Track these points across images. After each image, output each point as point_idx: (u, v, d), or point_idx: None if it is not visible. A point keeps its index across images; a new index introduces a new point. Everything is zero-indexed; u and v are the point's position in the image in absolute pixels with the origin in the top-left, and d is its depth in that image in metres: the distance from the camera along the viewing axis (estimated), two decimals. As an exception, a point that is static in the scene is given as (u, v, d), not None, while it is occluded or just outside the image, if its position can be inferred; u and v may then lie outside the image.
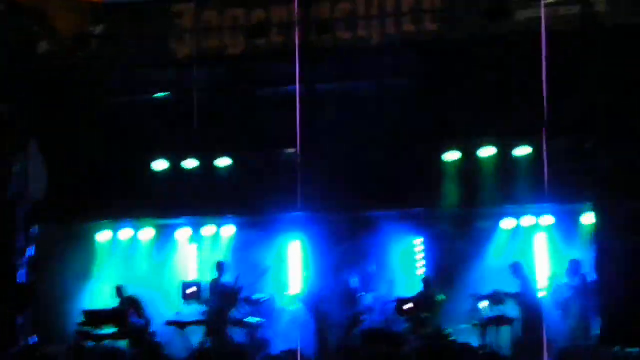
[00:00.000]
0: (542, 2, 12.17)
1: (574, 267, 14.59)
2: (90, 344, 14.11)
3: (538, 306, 14.17)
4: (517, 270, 14.45)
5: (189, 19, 13.37)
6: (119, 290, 15.44)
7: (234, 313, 14.90)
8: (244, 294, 15.06)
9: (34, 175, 14.40)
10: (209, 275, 15.66)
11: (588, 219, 14.87)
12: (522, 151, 15.01)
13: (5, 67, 13.49)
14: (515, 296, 14.33)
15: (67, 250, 15.88)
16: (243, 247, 16.29)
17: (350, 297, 15.58)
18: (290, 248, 16.52)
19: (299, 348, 13.94)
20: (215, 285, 15.11)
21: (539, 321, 13.93)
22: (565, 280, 14.73)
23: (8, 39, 13.33)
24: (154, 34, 13.35)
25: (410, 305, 14.53)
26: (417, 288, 15.31)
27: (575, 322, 14.27)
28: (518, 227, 16.08)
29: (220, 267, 15.36)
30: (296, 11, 13.14)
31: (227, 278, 15.11)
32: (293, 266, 16.46)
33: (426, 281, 15.27)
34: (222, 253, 16.19)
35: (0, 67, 13.50)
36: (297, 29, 13.34)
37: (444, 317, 14.81)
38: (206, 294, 15.12)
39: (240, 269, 15.33)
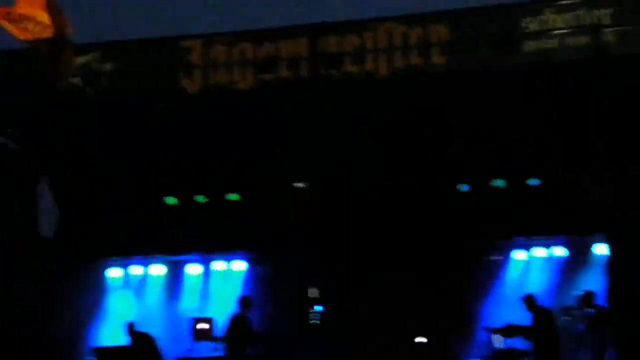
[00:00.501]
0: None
1: (588, 298, 14.48)
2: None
3: (552, 339, 14.02)
4: (530, 302, 14.33)
5: (197, 54, 13.42)
6: (130, 328, 15.36)
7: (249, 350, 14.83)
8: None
9: (44, 213, 14.39)
10: (221, 310, 15.59)
11: (600, 249, 14.81)
12: (533, 182, 14.98)
13: (16, 105, 13.54)
14: (528, 329, 14.20)
15: (77, 287, 15.85)
16: (255, 282, 16.27)
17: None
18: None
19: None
20: (237, 319, 14.93)
21: (554, 354, 13.79)
22: (579, 311, 14.62)
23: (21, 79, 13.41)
24: (164, 70, 13.39)
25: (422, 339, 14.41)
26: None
27: (590, 354, 14.14)
28: (530, 258, 16.02)
29: (245, 301, 15.18)
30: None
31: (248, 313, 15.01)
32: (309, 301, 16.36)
33: None
34: (234, 288, 16.14)
35: (11, 106, 13.55)
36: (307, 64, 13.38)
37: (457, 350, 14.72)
38: (222, 330, 14.95)
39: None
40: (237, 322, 14.84)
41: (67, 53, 11.72)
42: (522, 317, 14.46)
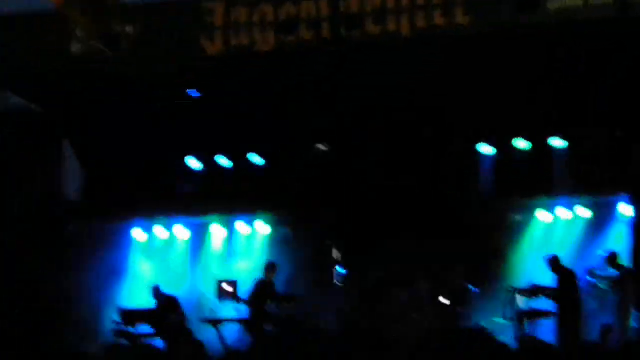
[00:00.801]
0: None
1: (612, 259, 14.43)
2: (127, 342, 14.16)
3: (575, 300, 14.00)
4: (554, 263, 14.29)
5: (219, 16, 13.36)
6: (156, 290, 15.48)
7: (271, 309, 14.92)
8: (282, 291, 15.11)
9: (69, 175, 14.51)
10: (244, 273, 15.68)
11: (625, 209, 14.70)
12: (557, 143, 14.88)
13: (37, 68, 13.58)
14: (552, 290, 14.18)
15: (102, 248, 16.00)
16: (277, 244, 16.32)
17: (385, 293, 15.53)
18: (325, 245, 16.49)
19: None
20: (262, 285, 15.01)
21: (577, 315, 13.77)
22: (603, 272, 14.57)
23: (40, 41, 13.42)
24: (184, 32, 13.36)
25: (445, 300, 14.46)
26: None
27: (614, 315, 14.11)
28: (554, 219, 15.95)
29: (270, 267, 15.24)
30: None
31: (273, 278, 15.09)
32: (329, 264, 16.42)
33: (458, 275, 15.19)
34: (258, 251, 16.21)
35: (32, 68, 13.59)
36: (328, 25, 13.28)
37: (480, 310, 14.73)
38: (246, 293, 15.03)
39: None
40: (261, 288, 14.94)
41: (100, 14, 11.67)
42: (545, 277, 14.45)
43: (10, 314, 12.63)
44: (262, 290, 14.96)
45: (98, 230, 16.14)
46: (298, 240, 16.19)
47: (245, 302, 14.88)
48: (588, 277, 14.98)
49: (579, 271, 15.00)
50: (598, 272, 14.74)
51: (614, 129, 13.17)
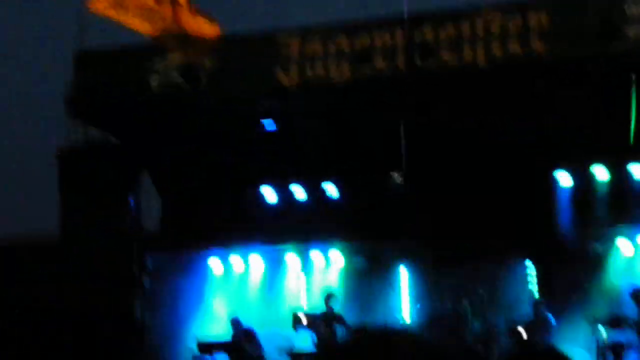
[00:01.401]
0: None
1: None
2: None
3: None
4: (637, 294, 13.95)
5: (294, 49, 13.48)
6: (235, 323, 15.49)
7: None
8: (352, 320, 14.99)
9: (147, 208, 14.71)
10: (319, 304, 15.64)
11: None
12: (635, 170, 14.61)
13: (118, 101, 13.85)
14: (634, 320, 13.83)
15: (180, 279, 16.14)
16: (352, 274, 16.27)
17: (459, 323, 15.35)
18: (401, 275, 16.41)
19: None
20: (326, 315, 14.96)
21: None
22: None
23: (120, 75, 13.70)
24: (261, 65, 13.50)
25: (521, 329, 14.21)
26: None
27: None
28: (637, 249, 15.60)
29: (329, 297, 15.21)
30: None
31: (337, 307, 15.01)
32: (404, 293, 16.33)
33: (535, 305, 14.92)
34: (332, 281, 16.17)
35: (112, 101, 13.87)
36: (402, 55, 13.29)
37: (559, 341, 14.44)
38: (317, 324, 14.97)
39: (350, 296, 15.26)
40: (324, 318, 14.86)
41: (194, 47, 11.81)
42: (628, 309, 14.13)
43: (92, 344, 12.80)
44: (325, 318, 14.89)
45: (176, 260, 16.31)
46: (372, 271, 16.13)
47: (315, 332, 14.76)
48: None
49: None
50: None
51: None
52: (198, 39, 10.52)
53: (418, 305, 16.17)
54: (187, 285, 16.29)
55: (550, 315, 14.64)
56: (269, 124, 14.78)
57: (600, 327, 13.77)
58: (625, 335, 13.73)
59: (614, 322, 13.77)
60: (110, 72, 13.82)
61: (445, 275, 15.98)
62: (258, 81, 13.56)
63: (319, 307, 15.31)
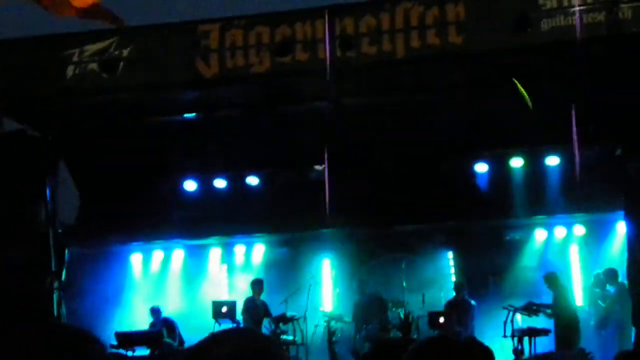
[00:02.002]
0: (577, 9, 12.04)
1: (611, 276, 14.39)
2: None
3: (573, 317, 13.96)
4: (552, 280, 14.27)
5: (214, 39, 13.41)
6: (155, 312, 15.43)
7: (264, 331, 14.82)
8: (277, 312, 15.01)
9: (65, 199, 14.49)
10: (242, 294, 15.62)
11: (622, 227, 14.72)
12: (552, 161, 14.93)
13: (34, 92, 13.62)
14: (549, 307, 14.15)
15: (99, 272, 15.97)
16: (274, 265, 16.32)
17: (381, 311, 15.49)
18: (322, 265, 16.51)
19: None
20: (252, 303, 14.94)
21: (575, 332, 13.73)
22: (601, 289, 14.56)
23: (35, 65, 13.47)
24: (181, 55, 13.41)
25: (443, 318, 14.39)
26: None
27: (613, 332, 14.07)
28: (551, 237, 15.97)
29: (256, 284, 15.19)
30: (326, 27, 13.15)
31: (263, 296, 15.03)
32: (325, 283, 16.44)
33: (458, 286, 15.16)
34: (253, 272, 16.18)
35: (28, 92, 13.63)
36: (325, 46, 13.33)
37: (478, 328, 14.69)
38: (240, 313, 14.96)
39: (272, 287, 15.28)
40: (251, 305, 14.87)
41: None
42: (543, 296, 14.45)
43: (7, 337, 12.54)
44: (253, 307, 14.88)
45: (95, 253, 16.12)
46: (294, 261, 16.20)
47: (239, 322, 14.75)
48: (586, 295, 14.99)
49: (577, 289, 15.05)
50: (595, 290, 14.75)
51: (611, 147, 13.23)
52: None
53: (340, 295, 16.29)
54: (107, 279, 16.12)
55: (472, 301, 14.90)
56: (189, 115, 14.72)
57: (517, 313, 14.05)
58: (539, 321, 14.05)
59: (529, 308, 14.06)
60: (26, 62, 13.59)
61: (367, 263, 16.14)
62: (177, 71, 13.46)
63: (242, 297, 15.31)
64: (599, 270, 14.84)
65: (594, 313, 14.63)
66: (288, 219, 15.38)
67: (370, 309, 15.08)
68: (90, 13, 8.79)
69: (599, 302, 14.62)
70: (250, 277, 15.74)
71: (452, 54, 13.00)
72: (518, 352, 12.75)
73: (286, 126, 14.78)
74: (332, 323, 15.56)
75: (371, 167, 15.26)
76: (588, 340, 13.60)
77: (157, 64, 13.43)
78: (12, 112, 14.23)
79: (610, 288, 14.44)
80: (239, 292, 15.98)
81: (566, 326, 13.65)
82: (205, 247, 16.98)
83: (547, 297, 14.25)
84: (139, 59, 13.42)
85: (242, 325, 14.65)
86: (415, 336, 14.63)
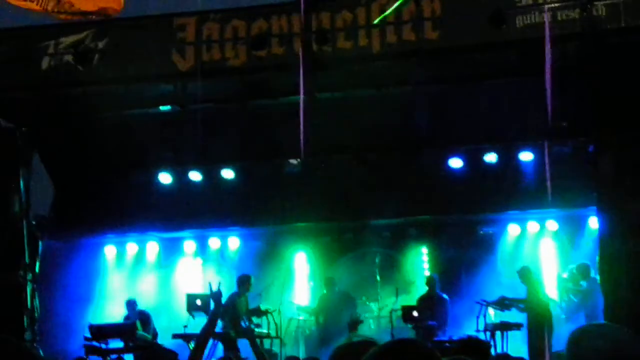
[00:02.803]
0: (546, 7, 12.13)
1: (584, 271, 14.53)
2: (97, 358, 14.07)
3: (546, 311, 14.09)
4: (525, 275, 14.39)
5: (190, 32, 13.38)
6: (130, 304, 15.40)
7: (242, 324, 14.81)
8: (252, 305, 15.01)
9: (38, 191, 14.43)
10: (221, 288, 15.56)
11: (594, 222, 14.86)
12: (525, 156, 15.05)
13: (7, 83, 13.54)
14: (522, 301, 14.27)
15: (73, 265, 15.93)
16: (248, 258, 16.35)
17: (351, 305, 15.55)
18: (296, 259, 16.56)
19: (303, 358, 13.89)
20: (237, 299, 14.88)
21: (547, 326, 13.84)
22: (574, 284, 14.70)
23: (9, 56, 13.39)
24: (156, 48, 13.37)
25: (416, 312, 14.48)
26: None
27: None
28: (524, 232, 16.10)
29: (247, 281, 15.08)
30: (302, 20, 13.16)
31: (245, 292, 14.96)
32: (299, 277, 16.50)
33: (430, 281, 15.24)
34: (228, 265, 16.20)
35: (3, 83, 13.55)
36: (299, 40, 13.34)
37: (451, 323, 14.80)
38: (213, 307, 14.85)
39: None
40: (233, 301, 14.83)
41: None
42: (515, 291, 14.57)
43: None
44: (237, 303, 14.84)
45: (69, 245, 16.09)
46: (268, 254, 16.24)
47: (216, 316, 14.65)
48: (559, 289, 15.12)
49: (549, 284, 15.19)
50: (568, 285, 14.88)
51: (583, 142, 13.34)
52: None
53: (314, 289, 16.36)
54: (81, 271, 16.09)
55: (444, 295, 15.00)
56: (164, 107, 14.69)
57: (489, 308, 14.17)
58: (511, 315, 14.17)
59: (502, 303, 14.18)
60: (1, 53, 13.50)
61: (341, 257, 16.21)
62: (153, 64, 13.42)
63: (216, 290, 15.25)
64: (573, 265, 14.98)
65: (566, 307, 14.77)
66: (263, 212, 15.41)
67: (339, 305, 15.16)
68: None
69: (571, 296, 14.77)
70: (225, 270, 15.76)
71: (427, 49, 13.05)
72: None
73: (262, 120, 14.79)
74: (305, 316, 15.65)
75: (346, 161, 15.30)
76: (560, 334, 13.73)
77: (132, 56, 13.38)
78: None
79: (582, 283, 14.59)
80: (213, 284, 15.95)
81: (539, 320, 13.77)
82: (179, 240, 17.00)
83: (520, 292, 14.38)
84: (115, 52, 13.36)
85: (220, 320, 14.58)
86: (389, 330, 14.76)
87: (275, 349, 14.58)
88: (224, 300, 14.48)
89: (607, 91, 12.31)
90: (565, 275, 15.03)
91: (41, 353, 12.74)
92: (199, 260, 16.84)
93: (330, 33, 13.39)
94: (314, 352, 14.28)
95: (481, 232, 16.25)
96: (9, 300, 13.05)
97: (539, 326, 13.71)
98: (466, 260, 15.81)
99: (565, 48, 12.01)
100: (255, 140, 15.15)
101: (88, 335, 14.35)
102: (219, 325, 14.53)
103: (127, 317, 15.22)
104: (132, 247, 17.00)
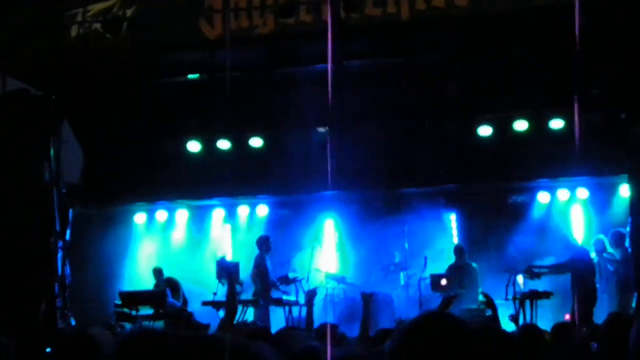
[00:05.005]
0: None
1: (618, 239, 14.33)
2: (128, 325, 14.22)
3: (589, 278, 13.82)
4: (568, 240, 14.24)
5: (218, 0, 13.33)
6: (157, 272, 15.54)
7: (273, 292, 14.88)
8: (280, 273, 15.06)
9: (69, 159, 14.51)
10: (245, 255, 15.67)
11: (625, 191, 14.72)
12: (556, 124, 14.91)
13: (37, 52, 13.58)
14: (550, 269, 14.15)
15: (103, 233, 16.06)
16: (277, 226, 16.38)
17: (385, 274, 15.60)
18: (324, 227, 16.57)
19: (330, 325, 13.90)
20: (261, 261, 14.89)
21: (590, 294, 13.60)
22: (608, 252, 14.57)
23: (39, 24, 13.42)
24: (184, 16, 13.34)
25: (445, 281, 14.47)
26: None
27: (619, 295, 14.05)
28: (554, 200, 15.99)
29: (263, 241, 15.15)
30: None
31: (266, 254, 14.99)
32: (327, 245, 16.51)
33: (458, 250, 15.21)
34: (256, 233, 16.23)
35: (32, 52, 13.59)
36: (327, 7, 13.23)
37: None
38: (246, 273, 14.89)
39: (275, 248, 15.31)
40: (264, 262, 14.86)
41: None
42: (544, 258, 14.50)
43: (9, 296, 12.63)
44: (267, 264, 14.83)
45: (99, 213, 16.22)
46: (296, 222, 16.27)
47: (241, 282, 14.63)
48: (595, 257, 14.94)
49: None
50: (604, 254, 14.69)
51: (615, 111, 13.19)
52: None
53: (342, 256, 16.38)
54: (111, 239, 16.21)
55: (473, 264, 14.98)
56: (192, 76, 14.70)
57: (518, 276, 14.11)
58: (541, 284, 14.09)
59: (531, 271, 14.11)
60: (29, 21, 13.54)
61: (370, 225, 16.18)
62: (181, 32, 13.40)
63: (244, 258, 15.37)
64: (602, 234, 14.84)
65: (604, 275, 14.59)
66: (291, 180, 15.41)
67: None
68: None
69: (608, 265, 14.60)
70: (253, 238, 15.80)
71: (457, 16, 12.91)
72: (514, 319, 12.80)
73: (290, 88, 14.74)
74: (333, 284, 15.68)
75: (374, 129, 15.23)
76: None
77: (160, 24, 13.36)
78: (15, 72, 14.21)
79: (616, 251, 14.43)
80: (242, 252, 16.07)
81: (581, 287, 13.50)
82: (208, 208, 17.06)
83: (548, 260, 14.31)
84: (143, 20, 13.34)
85: (253, 284, 14.64)
86: (417, 297, 14.77)
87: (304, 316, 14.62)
88: (251, 265, 14.62)
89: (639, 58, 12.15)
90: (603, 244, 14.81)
91: (72, 321, 12.92)
92: (228, 228, 16.90)
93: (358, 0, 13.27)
94: (342, 320, 14.32)
95: (511, 200, 16.16)
96: (41, 268, 13.17)
97: (588, 286, 13.46)
98: (495, 228, 15.73)
99: (596, 14, 11.81)
100: (283, 108, 15.11)
101: (118, 302, 14.50)
102: (250, 292, 14.64)
103: (156, 286, 15.35)
104: (161, 215, 17.10)
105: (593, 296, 13.54)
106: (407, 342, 3.17)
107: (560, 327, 7.38)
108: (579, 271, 13.72)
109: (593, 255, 14.37)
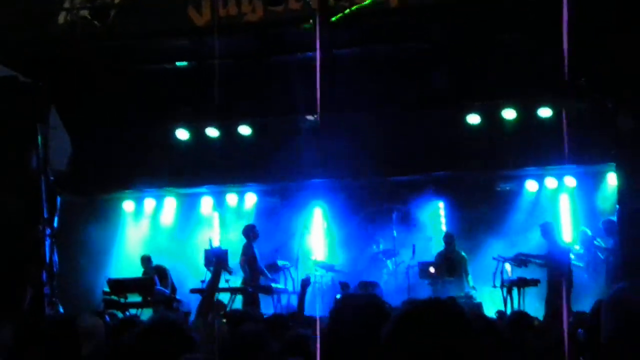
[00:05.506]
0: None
1: (609, 228, 14.36)
2: (117, 312, 14.19)
3: (566, 268, 13.96)
4: (547, 230, 14.31)
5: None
6: (145, 260, 15.53)
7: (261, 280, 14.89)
8: (268, 261, 15.09)
9: (56, 146, 14.45)
10: (233, 243, 15.67)
11: (613, 179, 14.77)
12: (544, 112, 14.93)
13: (25, 39, 13.51)
14: (542, 257, 14.22)
15: (91, 220, 16.03)
16: (266, 214, 16.38)
17: (373, 262, 15.63)
18: (313, 215, 16.58)
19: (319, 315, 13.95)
20: (248, 249, 14.91)
21: (567, 283, 13.74)
22: (597, 241, 14.63)
23: (26, 10, 13.35)
24: (172, 2, 13.30)
25: (433, 268, 14.51)
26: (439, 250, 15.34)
27: (608, 283, 14.11)
28: (542, 188, 16.04)
29: (250, 230, 15.15)
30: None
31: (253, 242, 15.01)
32: (316, 233, 16.53)
33: (448, 237, 15.25)
34: (245, 221, 16.24)
35: (20, 39, 13.52)
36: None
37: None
38: (236, 262, 14.90)
39: (263, 236, 15.33)
40: (252, 250, 14.87)
41: None
42: (532, 247, 14.55)
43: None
44: (255, 252, 14.85)
45: (87, 201, 16.17)
46: (285, 210, 16.27)
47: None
48: (583, 245, 14.99)
49: (568, 240, 15.15)
50: (594, 242, 14.75)
51: (602, 99, 13.20)
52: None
53: (332, 245, 16.39)
54: (100, 226, 16.19)
55: (462, 252, 15.02)
56: (181, 63, 14.65)
57: (506, 264, 14.16)
58: (529, 272, 14.14)
59: (519, 259, 14.15)
60: (17, 8, 13.47)
61: (359, 214, 16.20)
62: (169, 19, 13.36)
63: (233, 246, 15.37)
64: (585, 226, 14.90)
65: (592, 264, 14.66)
66: (279, 168, 15.40)
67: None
68: None
69: (599, 253, 14.66)
70: (241, 226, 15.79)
71: (445, 4, 12.92)
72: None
73: (278, 76, 14.72)
74: (321, 272, 15.70)
75: (363, 117, 15.22)
76: (580, 290, 13.71)
77: (148, 11, 13.32)
78: (2, 59, 14.12)
79: (608, 240, 14.48)
80: (231, 240, 16.06)
81: (558, 277, 13.67)
82: (196, 196, 17.05)
83: (537, 248, 14.36)
84: (131, 7, 13.30)
85: (242, 272, 14.65)
86: (406, 285, 14.81)
87: (292, 304, 14.65)
88: (239, 254, 14.63)
89: (628, 47, 12.15)
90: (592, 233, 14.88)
91: (60, 308, 12.88)
92: (216, 216, 16.89)
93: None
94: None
95: (499, 188, 16.20)
96: (29, 255, 13.12)
97: (558, 283, 13.64)
98: (483, 216, 15.78)
99: (584, 2, 11.82)
100: (272, 96, 15.09)
101: (107, 289, 14.48)
102: (239, 280, 14.66)
103: (144, 274, 15.34)
104: (150, 203, 17.07)
105: (560, 295, 13.59)
106: (402, 329, 3.17)
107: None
108: (550, 269, 13.82)
109: (572, 256, 14.43)
